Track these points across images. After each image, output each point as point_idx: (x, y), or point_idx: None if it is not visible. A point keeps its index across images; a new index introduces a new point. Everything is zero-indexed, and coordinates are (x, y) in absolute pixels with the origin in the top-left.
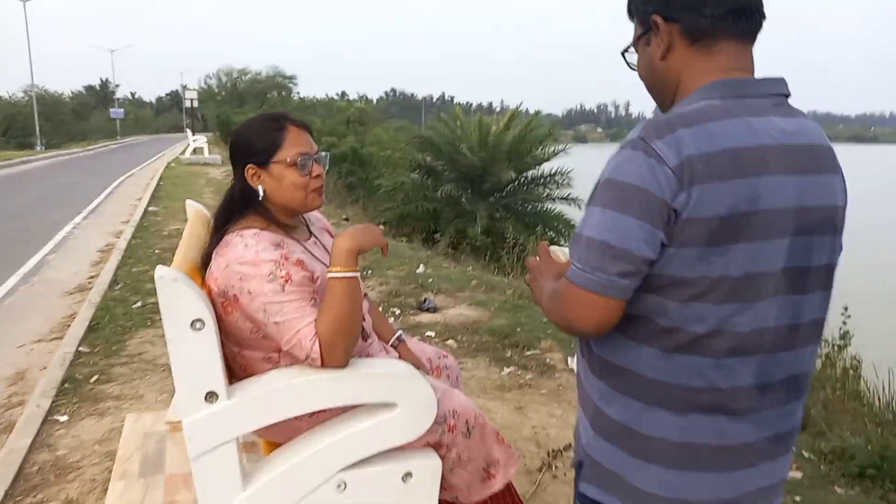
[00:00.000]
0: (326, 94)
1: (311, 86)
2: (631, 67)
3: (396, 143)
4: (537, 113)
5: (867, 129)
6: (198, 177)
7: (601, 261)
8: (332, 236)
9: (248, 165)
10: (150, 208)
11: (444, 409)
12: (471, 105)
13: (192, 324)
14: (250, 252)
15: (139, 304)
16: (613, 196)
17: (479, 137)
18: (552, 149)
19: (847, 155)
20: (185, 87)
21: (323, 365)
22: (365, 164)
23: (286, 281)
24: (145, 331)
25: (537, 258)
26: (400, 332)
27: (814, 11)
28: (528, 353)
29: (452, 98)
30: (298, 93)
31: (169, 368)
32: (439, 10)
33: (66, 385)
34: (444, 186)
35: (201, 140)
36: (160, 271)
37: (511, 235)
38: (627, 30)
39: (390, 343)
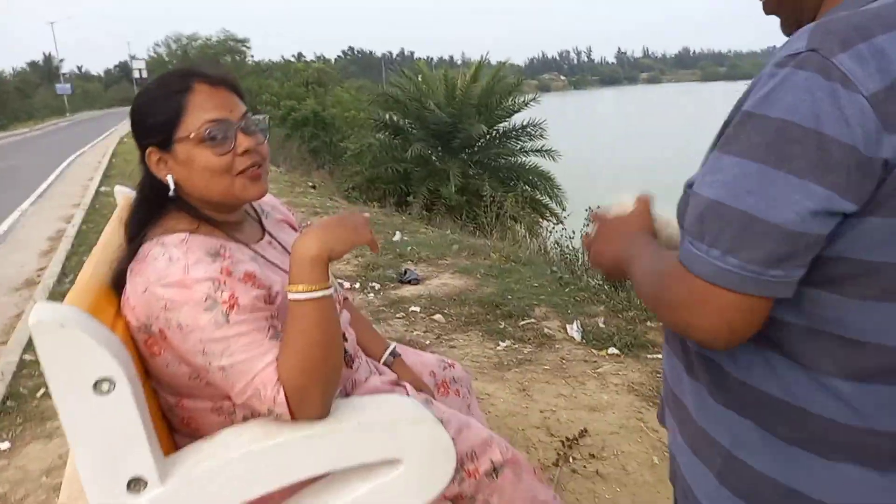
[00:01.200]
0: (282, 57)
1: (265, 49)
2: None
3: (359, 104)
4: (504, 63)
5: None
6: None
7: (740, 240)
8: (295, 230)
9: (149, 149)
10: (103, 189)
11: (461, 451)
12: (432, 59)
13: (96, 386)
14: (176, 268)
15: None
16: (763, 141)
17: (445, 92)
18: (522, 99)
19: None
20: (132, 58)
21: (294, 419)
22: (328, 127)
23: (231, 307)
24: None
25: (591, 232)
26: (393, 345)
27: None
28: (523, 322)
29: (412, 53)
30: (252, 56)
31: None
32: None
33: (9, 403)
34: (413, 146)
35: None
36: (38, 312)
37: (488, 193)
38: None
39: (382, 360)
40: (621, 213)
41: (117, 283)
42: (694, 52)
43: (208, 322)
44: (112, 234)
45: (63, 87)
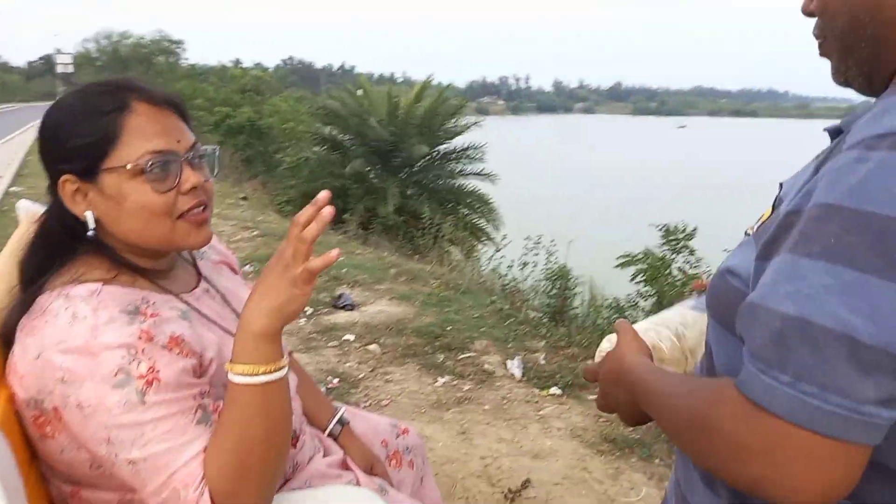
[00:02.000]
0: (219, 61)
1: (200, 53)
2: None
3: (297, 115)
4: (449, 86)
5: (747, 105)
6: None
7: (843, 372)
8: (235, 272)
9: (64, 177)
10: (13, 189)
11: None
12: (372, 75)
13: None
14: (80, 329)
15: None
16: (862, 242)
17: (388, 110)
18: (465, 122)
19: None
20: (58, 52)
21: None
22: (264, 137)
23: (149, 384)
24: None
25: (596, 360)
26: (342, 409)
27: None
28: (463, 356)
29: (353, 68)
30: (187, 59)
31: None
32: None
33: None
34: (352, 162)
35: None
36: None
37: (427, 214)
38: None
39: (328, 431)
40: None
41: (5, 336)
42: (626, 86)
43: (117, 403)
44: (5, 265)
45: None
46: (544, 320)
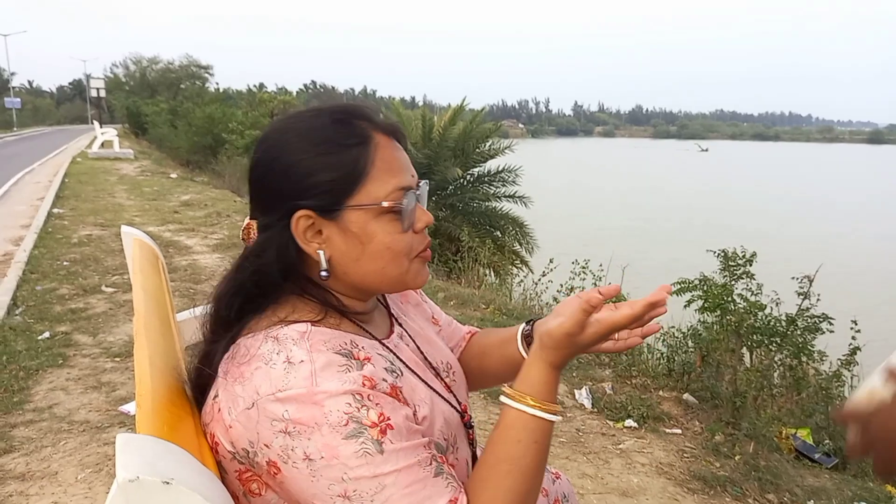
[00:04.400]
0: (248, 86)
1: (226, 78)
2: None
3: None
4: (483, 109)
5: (769, 129)
6: (108, 173)
7: None
8: (435, 322)
9: (301, 212)
10: (55, 210)
11: None
12: (393, 99)
13: None
14: (299, 375)
15: (47, 334)
16: None
17: (422, 133)
18: (499, 145)
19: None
20: (89, 76)
21: None
22: None
23: (383, 432)
24: (56, 371)
25: (853, 437)
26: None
27: (715, 15)
28: None
29: (375, 92)
30: (217, 83)
31: (92, 429)
32: None
33: None
34: None
35: (110, 132)
36: (129, 461)
37: (466, 238)
38: (548, 24)
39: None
40: (879, 401)
41: (197, 381)
42: (647, 109)
43: (353, 454)
44: (154, 301)
45: (12, 101)
46: None
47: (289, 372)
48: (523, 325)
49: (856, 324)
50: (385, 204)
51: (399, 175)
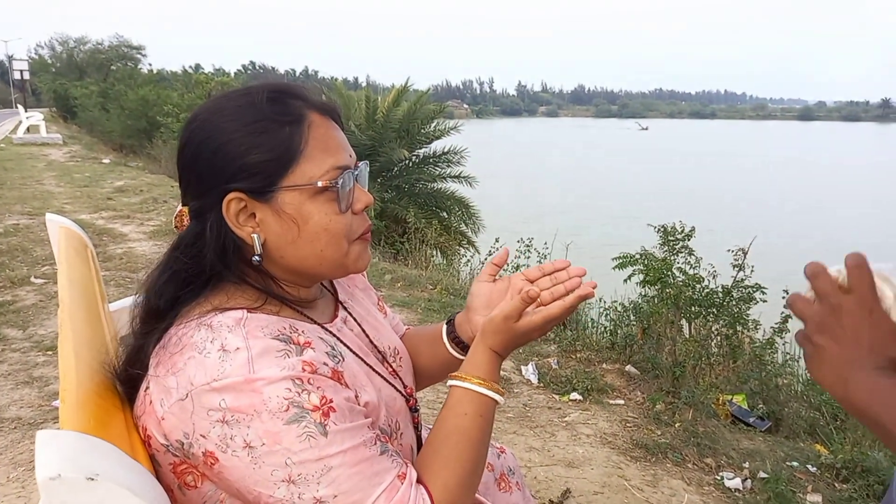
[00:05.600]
0: (183, 67)
1: (160, 59)
2: None
3: None
4: (428, 90)
5: (706, 107)
6: (35, 159)
7: None
8: (381, 308)
9: (232, 194)
10: None
11: None
12: (336, 79)
13: None
14: (236, 362)
15: None
16: None
17: (366, 114)
18: (444, 126)
19: (692, 128)
20: (11, 58)
21: None
22: None
23: (326, 415)
24: None
25: (805, 295)
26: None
27: None
28: None
29: (316, 73)
30: (150, 64)
31: (24, 425)
32: None
33: None
34: None
35: (36, 117)
36: (48, 458)
37: (413, 219)
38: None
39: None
40: (837, 286)
41: (126, 375)
42: (588, 89)
43: (297, 438)
44: (82, 291)
45: None
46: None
47: (224, 360)
48: (444, 325)
49: (787, 293)
50: (320, 184)
51: (335, 154)
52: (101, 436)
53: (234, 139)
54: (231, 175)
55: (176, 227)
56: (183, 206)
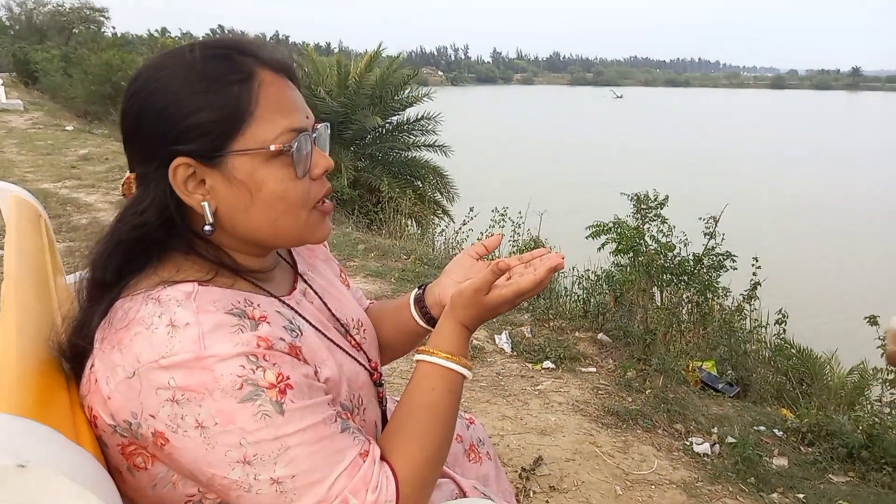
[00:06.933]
0: (149, 31)
1: (124, 22)
2: None
3: None
4: (400, 55)
5: (680, 75)
6: None
7: None
8: (344, 281)
9: (179, 160)
10: None
11: None
12: (307, 45)
13: None
14: (185, 338)
15: None
16: None
17: (338, 81)
18: (418, 93)
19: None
20: None
21: None
22: None
23: (282, 392)
24: None
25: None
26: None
27: None
28: None
29: (288, 37)
30: (113, 27)
31: None
32: None
33: None
34: None
35: None
36: None
37: (386, 189)
38: None
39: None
40: None
41: (74, 350)
42: (564, 56)
43: (251, 417)
44: (31, 263)
45: None
46: None
47: (173, 336)
48: (415, 290)
49: (756, 260)
50: (273, 147)
51: (290, 115)
52: (40, 417)
53: (177, 99)
54: (175, 138)
55: (124, 194)
56: (130, 172)
